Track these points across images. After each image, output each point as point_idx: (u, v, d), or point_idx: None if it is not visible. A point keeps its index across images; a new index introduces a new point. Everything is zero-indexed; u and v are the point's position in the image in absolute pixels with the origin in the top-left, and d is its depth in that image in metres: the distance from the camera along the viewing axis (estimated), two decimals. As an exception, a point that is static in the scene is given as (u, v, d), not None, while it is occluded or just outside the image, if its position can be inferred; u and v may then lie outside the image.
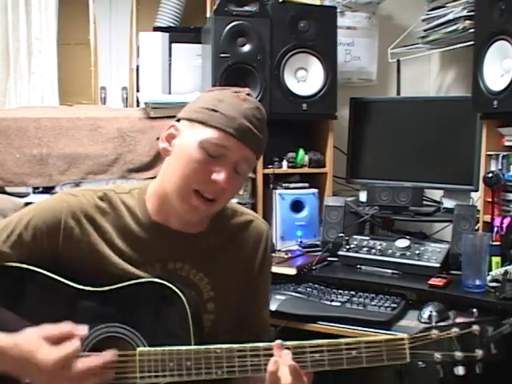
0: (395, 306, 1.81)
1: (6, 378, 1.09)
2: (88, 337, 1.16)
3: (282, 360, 1.08)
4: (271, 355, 1.10)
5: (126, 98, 2.68)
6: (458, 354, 1.08)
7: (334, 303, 1.85)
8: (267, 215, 2.34)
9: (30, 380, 1.11)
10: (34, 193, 2.18)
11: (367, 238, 2.16)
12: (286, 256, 2.13)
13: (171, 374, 1.11)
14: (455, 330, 1.09)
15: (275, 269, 1.99)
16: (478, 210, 2.04)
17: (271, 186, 2.33)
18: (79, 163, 2.19)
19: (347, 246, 2.13)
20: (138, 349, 1.14)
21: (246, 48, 2.24)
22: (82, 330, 1.11)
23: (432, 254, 2.00)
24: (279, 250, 2.22)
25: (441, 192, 2.34)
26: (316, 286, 1.97)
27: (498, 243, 1.84)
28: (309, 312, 1.80)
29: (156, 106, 2.24)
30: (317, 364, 1.10)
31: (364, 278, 2.01)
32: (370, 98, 2.52)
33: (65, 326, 1.10)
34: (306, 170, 2.39)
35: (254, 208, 2.30)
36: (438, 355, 1.08)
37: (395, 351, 1.10)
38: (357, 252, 2.10)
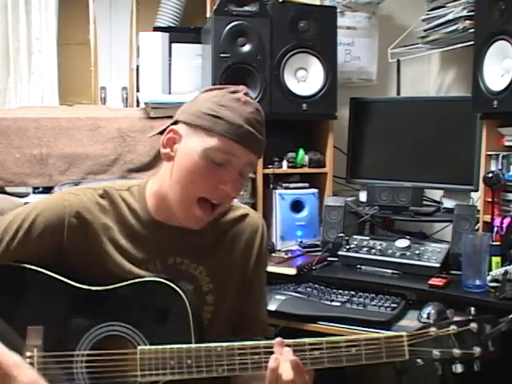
0: (395, 305, 1.81)
1: None
2: (89, 336, 1.17)
3: (282, 357, 1.09)
4: (272, 353, 1.11)
5: (126, 98, 2.68)
6: (456, 351, 1.09)
7: (334, 303, 1.85)
8: (267, 215, 2.35)
9: None
10: (34, 193, 2.18)
11: (367, 237, 2.16)
12: (285, 256, 2.13)
13: (172, 373, 1.12)
14: (453, 327, 1.10)
15: (275, 269, 2.00)
16: (478, 210, 2.04)
17: (271, 185, 2.33)
18: (79, 163, 2.19)
19: (347, 246, 2.13)
20: (139, 347, 1.15)
21: (246, 48, 2.24)
22: None
23: (432, 254, 2.00)
24: (279, 250, 2.22)
25: (441, 192, 2.34)
26: (316, 285, 1.97)
27: (498, 243, 1.84)
28: (309, 312, 1.81)
29: (156, 106, 2.24)
30: (316, 361, 1.11)
31: (364, 277, 2.01)
32: (370, 98, 2.52)
33: None
34: (305, 170, 2.39)
35: (254, 208, 2.29)
36: (436, 352, 1.09)
37: (394, 348, 1.11)
38: (357, 252, 2.10)
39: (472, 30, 2.09)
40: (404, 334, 1.11)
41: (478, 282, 1.79)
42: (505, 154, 1.97)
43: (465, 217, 2.02)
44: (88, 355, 1.16)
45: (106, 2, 2.74)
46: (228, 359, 1.11)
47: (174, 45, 2.48)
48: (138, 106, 2.56)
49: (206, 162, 1.17)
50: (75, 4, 2.67)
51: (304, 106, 2.32)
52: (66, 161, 2.18)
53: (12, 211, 1.26)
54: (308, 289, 1.95)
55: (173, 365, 1.12)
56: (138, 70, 2.56)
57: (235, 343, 1.12)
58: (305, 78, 2.35)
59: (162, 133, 1.25)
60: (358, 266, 2.08)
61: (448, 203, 2.25)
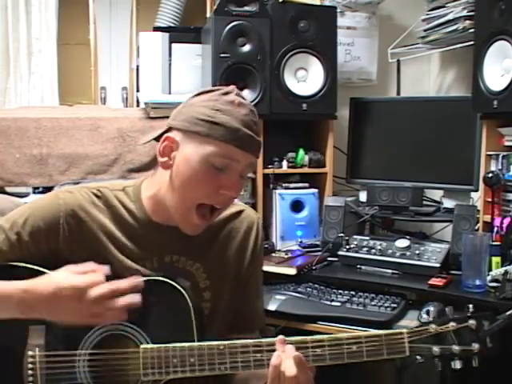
0: (395, 305, 1.81)
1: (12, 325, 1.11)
2: (91, 335, 1.17)
3: (285, 354, 1.09)
4: (274, 350, 1.11)
5: (126, 98, 2.68)
6: (456, 348, 1.10)
7: (334, 303, 1.85)
8: (267, 215, 2.35)
9: (58, 316, 1.12)
10: (34, 193, 2.18)
11: (367, 237, 2.16)
12: (285, 256, 2.13)
13: (175, 371, 1.12)
14: (452, 324, 1.12)
15: (275, 269, 2.00)
16: (478, 210, 2.04)
17: (271, 185, 2.33)
18: (79, 163, 2.19)
19: (347, 246, 2.13)
20: (142, 346, 1.15)
21: (246, 48, 2.24)
22: (105, 268, 1.13)
23: (432, 254, 2.00)
24: (279, 250, 2.23)
25: (441, 192, 2.34)
26: (316, 286, 1.97)
27: (498, 243, 1.85)
28: (309, 312, 1.81)
29: (156, 106, 2.24)
30: (318, 359, 1.12)
31: (364, 277, 2.01)
32: (370, 98, 2.52)
33: (88, 264, 1.13)
34: (306, 170, 2.39)
35: (254, 208, 2.29)
36: (436, 349, 1.11)
37: (395, 345, 1.12)
38: (357, 252, 2.10)
39: (472, 30, 2.09)
40: (404, 331, 1.13)
41: (477, 282, 1.79)
42: (505, 154, 1.97)
43: (465, 217, 2.02)
44: (90, 354, 1.17)
45: (106, 2, 2.74)
46: (230, 357, 1.12)
47: (173, 45, 2.48)
48: (138, 105, 2.56)
49: (206, 167, 1.16)
50: (75, 4, 2.67)
51: (304, 106, 2.32)
52: (66, 161, 2.18)
53: (8, 212, 1.26)
54: (308, 289, 1.95)
55: (175, 363, 1.12)
56: (138, 70, 2.56)
57: (237, 341, 1.13)
58: (305, 78, 2.35)
59: (156, 139, 1.25)
60: (358, 266, 2.08)
61: (448, 203, 2.25)
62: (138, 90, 2.55)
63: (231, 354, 1.12)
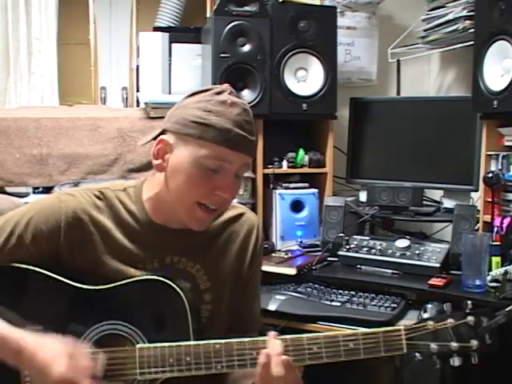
0: (395, 305, 1.81)
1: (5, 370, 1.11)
2: (88, 335, 1.17)
3: (273, 351, 1.09)
4: None
5: (126, 98, 2.68)
6: (454, 345, 1.10)
7: (334, 303, 1.84)
8: (267, 215, 2.35)
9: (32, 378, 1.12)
10: (34, 193, 2.18)
11: (367, 237, 2.16)
12: (285, 256, 2.13)
13: (171, 370, 1.12)
14: (450, 320, 1.11)
15: (275, 269, 2.00)
16: (478, 210, 2.04)
17: (271, 185, 2.33)
18: (79, 163, 2.19)
19: (347, 246, 2.13)
20: (138, 345, 1.15)
21: (246, 48, 2.24)
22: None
23: (432, 254, 2.00)
24: (279, 250, 2.22)
25: (441, 192, 2.34)
26: (316, 286, 1.97)
27: (498, 243, 1.84)
28: (309, 312, 1.81)
29: (156, 106, 2.24)
30: (315, 357, 1.11)
31: (364, 277, 2.01)
32: (370, 98, 2.52)
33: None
34: (306, 170, 2.39)
35: (254, 208, 2.30)
36: (434, 346, 1.10)
37: (392, 342, 1.12)
38: (357, 252, 2.10)
39: (472, 30, 2.09)
40: (402, 327, 1.12)
41: (477, 282, 1.79)
42: (505, 154, 1.97)
43: (465, 217, 2.02)
44: (87, 354, 1.16)
45: (106, 2, 2.74)
46: (227, 356, 1.12)
47: (173, 45, 2.48)
48: (138, 105, 2.56)
49: (200, 169, 1.16)
50: (75, 4, 2.67)
51: (304, 106, 2.32)
52: (66, 161, 2.18)
53: (8, 212, 1.26)
54: (308, 289, 1.95)
55: (172, 362, 1.12)
56: (138, 70, 2.56)
57: (233, 340, 1.13)
58: (305, 78, 2.35)
59: (154, 139, 1.24)
60: (358, 266, 2.08)
61: (448, 203, 2.25)
62: (138, 90, 2.55)
63: (227, 353, 1.12)
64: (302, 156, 2.37)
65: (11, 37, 2.49)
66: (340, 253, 2.12)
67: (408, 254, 2.03)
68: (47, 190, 2.16)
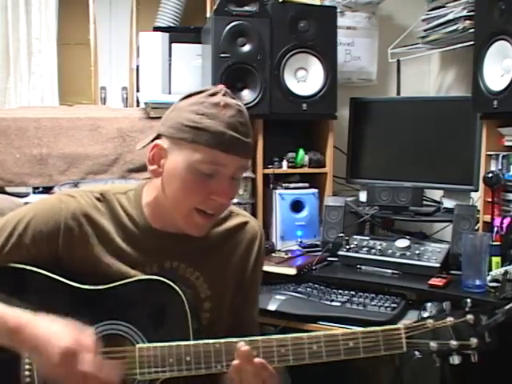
0: (395, 305, 1.81)
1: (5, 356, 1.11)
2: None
3: (244, 359, 1.10)
4: (270, 346, 1.12)
5: (126, 98, 2.68)
6: (453, 343, 1.10)
7: (334, 303, 1.84)
8: (267, 215, 2.35)
9: (36, 361, 1.11)
10: (34, 193, 2.18)
11: (367, 237, 2.16)
12: (285, 256, 2.13)
13: (171, 370, 1.12)
14: (450, 319, 1.12)
15: (275, 269, 2.00)
16: (478, 210, 2.04)
17: (271, 185, 2.33)
18: (79, 163, 2.19)
19: (347, 246, 2.13)
20: (138, 345, 1.15)
21: (246, 48, 2.24)
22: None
23: (432, 254, 2.00)
24: (279, 250, 2.22)
25: (441, 192, 2.34)
26: (316, 286, 1.97)
27: (498, 243, 1.84)
28: (309, 312, 1.80)
29: (156, 106, 2.24)
30: (315, 355, 1.12)
31: (364, 277, 2.01)
32: (370, 98, 2.52)
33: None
34: (306, 170, 2.39)
35: (254, 208, 2.30)
36: (433, 344, 1.11)
37: (392, 341, 1.12)
38: (357, 252, 2.10)
39: (472, 30, 2.09)
40: (401, 326, 1.13)
41: (477, 282, 1.79)
42: (505, 154, 1.97)
43: (465, 217, 2.02)
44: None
45: (106, 2, 2.74)
46: (227, 355, 1.12)
47: (174, 45, 2.48)
48: (138, 106, 2.56)
49: (194, 174, 1.14)
50: (75, 4, 2.67)
51: (304, 106, 2.32)
52: (66, 161, 2.18)
53: (9, 213, 1.26)
54: (308, 289, 1.95)
55: (172, 362, 1.12)
56: (138, 70, 2.56)
57: (233, 339, 1.13)
58: (305, 78, 2.35)
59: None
60: (358, 266, 2.08)
61: (448, 203, 2.25)
62: (138, 90, 2.55)
63: (227, 352, 1.12)
64: (302, 156, 2.37)
65: (11, 37, 2.49)
66: (340, 253, 2.12)
67: (408, 253, 2.03)
68: (47, 189, 2.16)
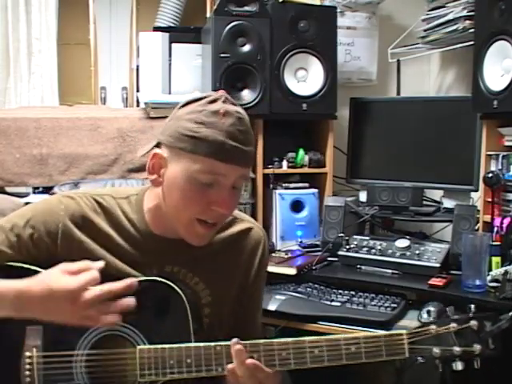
0: (395, 305, 1.81)
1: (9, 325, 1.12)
2: (88, 335, 1.17)
3: (237, 360, 1.10)
4: (272, 350, 1.11)
5: (126, 98, 2.68)
6: (457, 349, 1.09)
7: (334, 303, 1.84)
8: (267, 215, 2.35)
9: (52, 316, 1.11)
10: (34, 193, 2.18)
11: (367, 237, 2.16)
12: (285, 256, 2.13)
13: (171, 372, 1.12)
14: (453, 325, 1.11)
15: (275, 269, 2.00)
16: (478, 210, 2.04)
17: (271, 185, 2.33)
18: (79, 163, 2.19)
19: (347, 246, 2.12)
20: (138, 347, 1.15)
21: (246, 48, 2.24)
22: (99, 263, 1.12)
23: (432, 254, 2.00)
24: (279, 250, 2.22)
25: (441, 192, 2.34)
26: (316, 285, 1.97)
27: (498, 243, 1.84)
28: (309, 312, 1.80)
29: (156, 106, 2.24)
30: (316, 360, 1.11)
31: (364, 277, 2.00)
32: (370, 98, 2.52)
33: (82, 262, 1.12)
34: (306, 170, 2.39)
35: (253, 208, 2.30)
36: (436, 350, 1.10)
37: (394, 346, 1.12)
38: (357, 252, 2.10)
39: (472, 30, 2.09)
40: (404, 331, 1.12)
41: (478, 282, 1.79)
42: (505, 154, 1.97)
43: (465, 217, 2.02)
44: (87, 355, 1.16)
45: (106, 2, 2.74)
46: (227, 358, 1.12)
47: (174, 45, 2.48)
48: (138, 106, 2.56)
49: (194, 185, 1.13)
50: (75, 4, 2.67)
51: (304, 106, 2.32)
52: (66, 161, 2.18)
53: (10, 213, 1.26)
54: (308, 289, 1.95)
55: (172, 364, 1.12)
56: (138, 70, 2.56)
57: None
58: (305, 78, 2.35)
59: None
60: (358, 266, 2.08)
61: (448, 203, 2.25)
62: (138, 90, 2.55)
63: (228, 355, 1.11)
64: (302, 156, 2.37)
65: (11, 37, 2.49)
66: (340, 253, 2.12)
67: (408, 253, 2.03)
68: (47, 189, 2.16)
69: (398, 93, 2.66)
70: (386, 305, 1.80)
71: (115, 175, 2.21)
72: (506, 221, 1.86)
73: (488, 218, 1.96)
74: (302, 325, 1.79)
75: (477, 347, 1.09)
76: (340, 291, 1.92)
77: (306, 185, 2.40)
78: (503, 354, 1.10)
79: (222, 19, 2.21)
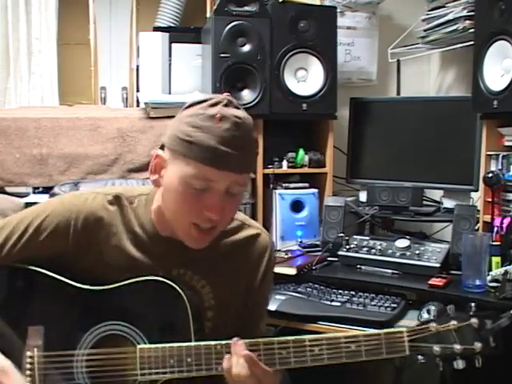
0: (395, 305, 1.81)
1: None
2: (89, 335, 1.17)
3: (235, 356, 1.10)
4: (272, 349, 1.11)
5: (126, 98, 2.68)
6: (457, 347, 1.09)
7: (334, 303, 1.85)
8: (267, 215, 2.35)
9: None
10: (34, 193, 2.18)
11: (367, 237, 2.16)
12: (285, 256, 2.13)
13: (172, 371, 1.12)
14: (454, 322, 1.10)
15: (275, 269, 1.98)
16: (478, 210, 2.04)
17: (271, 185, 2.33)
18: (79, 163, 2.19)
19: (347, 246, 2.12)
20: (139, 346, 1.15)
21: (246, 48, 2.24)
22: None
23: (432, 254, 2.00)
24: (279, 250, 2.22)
25: (441, 192, 2.34)
26: (316, 286, 1.97)
27: (498, 243, 1.84)
28: (309, 312, 1.81)
29: (156, 106, 2.24)
30: (316, 358, 1.11)
31: (364, 277, 2.00)
32: (370, 98, 2.52)
33: None
34: (305, 170, 2.39)
35: (253, 208, 2.30)
36: (436, 348, 1.09)
37: (394, 344, 1.12)
38: (357, 252, 2.10)
39: (472, 30, 2.09)
40: (404, 329, 1.12)
41: (477, 282, 1.79)
42: (505, 154, 1.97)
43: (465, 217, 2.02)
44: (88, 354, 1.17)
45: (106, 2, 2.74)
46: None
47: (174, 45, 2.48)
48: (138, 106, 2.56)
49: (187, 188, 1.12)
50: (75, 4, 2.67)
51: (304, 106, 2.32)
52: (66, 161, 2.18)
53: (10, 213, 1.26)
54: (308, 289, 1.95)
55: (172, 363, 1.12)
56: (138, 70, 2.56)
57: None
58: (305, 78, 2.35)
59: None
60: (358, 266, 2.08)
61: (448, 203, 2.25)
62: (138, 90, 2.55)
63: (228, 354, 1.11)
64: (302, 156, 2.37)
65: (11, 37, 2.49)
66: (340, 253, 2.12)
67: (408, 253, 2.03)
68: (47, 189, 2.16)
69: (398, 93, 2.66)
70: (386, 305, 1.80)
71: (115, 175, 2.21)
72: (506, 221, 1.86)
73: (488, 218, 1.97)
74: (302, 325, 1.79)
75: (477, 345, 1.08)
76: (340, 291, 1.92)
77: (306, 185, 2.40)
78: (504, 352, 1.10)
79: (221, 19, 2.21)
